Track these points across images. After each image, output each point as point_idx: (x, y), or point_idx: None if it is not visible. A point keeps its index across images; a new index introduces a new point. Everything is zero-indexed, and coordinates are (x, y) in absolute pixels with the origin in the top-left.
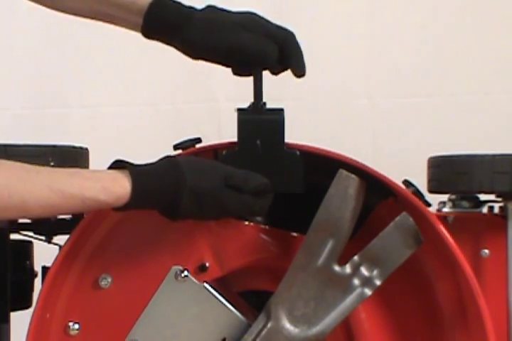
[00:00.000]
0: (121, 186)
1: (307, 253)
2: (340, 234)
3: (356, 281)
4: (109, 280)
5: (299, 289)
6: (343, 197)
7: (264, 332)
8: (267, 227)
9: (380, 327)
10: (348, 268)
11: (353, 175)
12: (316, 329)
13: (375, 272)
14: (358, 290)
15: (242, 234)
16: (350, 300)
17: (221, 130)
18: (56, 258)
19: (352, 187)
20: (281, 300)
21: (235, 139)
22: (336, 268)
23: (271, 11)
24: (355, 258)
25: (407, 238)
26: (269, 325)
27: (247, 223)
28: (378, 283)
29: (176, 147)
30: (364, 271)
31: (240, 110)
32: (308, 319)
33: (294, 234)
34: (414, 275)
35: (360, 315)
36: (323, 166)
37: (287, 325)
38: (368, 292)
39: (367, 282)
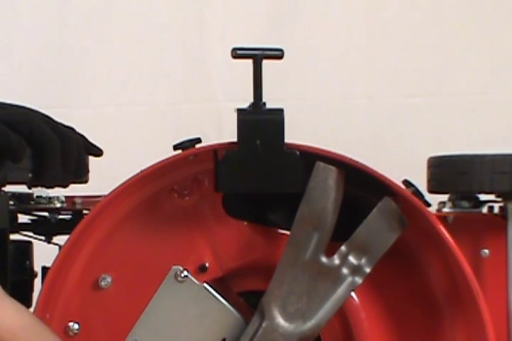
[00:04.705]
0: None
1: (294, 249)
2: (324, 225)
3: (345, 271)
4: (109, 280)
5: (290, 285)
6: (323, 189)
7: (259, 333)
8: (267, 227)
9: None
10: (336, 259)
11: (330, 166)
12: (311, 323)
13: (363, 260)
14: (349, 280)
15: (242, 234)
16: (341, 290)
17: (221, 130)
18: (56, 258)
19: (331, 178)
20: (274, 298)
21: (235, 139)
22: (324, 260)
23: (270, 11)
24: (342, 248)
25: (391, 221)
26: (264, 325)
27: (246, 223)
28: (368, 270)
29: (175, 147)
30: (352, 259)
31: (239, 110)
32: (303, 314)
33: None
34: (414, 275)
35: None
36: None
37: (282, 322)
38: (359, 280)
39: (356, 270)
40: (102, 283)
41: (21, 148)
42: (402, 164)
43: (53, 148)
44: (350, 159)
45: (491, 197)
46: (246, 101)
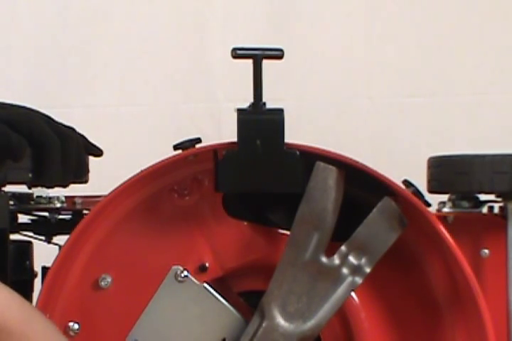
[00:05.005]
0: None
1: (294, 249)
2: (324, 225)
3: (345, 271)
4: (109, 280)
5: (290, 285)
6: (323, 189)
7: (259, 332)
8: (267, 227)
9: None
10: (336, 259)
11: (330, 166)
12: (311, 323)
13: (363, 260)
14: (349, 280)
15: (242, 234)
16: (341, 290)
17: (221, 130)
18: (56, 258)
19: (331, 178)
20: (273, 298)
21: (235, 139)
22: (324, 260)
23: (270, 11)
24: (342, 248)
25: (392, 221)
26: (264, 325)
27: (246, 223)
28: (368, 270)
29: (175, 147)
30: (352, 259)
31: (239, 110)
32: (302, 314)
33: None
34: (414, 275)
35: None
36: None
37: (282, 322)
38: (359, 280)
39: (356, 270)
40: (102, 283)
41: (22, 148)
42: (402, 164)
43: (53, 148)
44: (350, 159)
45: (491, 197)
46: (246, 101)
